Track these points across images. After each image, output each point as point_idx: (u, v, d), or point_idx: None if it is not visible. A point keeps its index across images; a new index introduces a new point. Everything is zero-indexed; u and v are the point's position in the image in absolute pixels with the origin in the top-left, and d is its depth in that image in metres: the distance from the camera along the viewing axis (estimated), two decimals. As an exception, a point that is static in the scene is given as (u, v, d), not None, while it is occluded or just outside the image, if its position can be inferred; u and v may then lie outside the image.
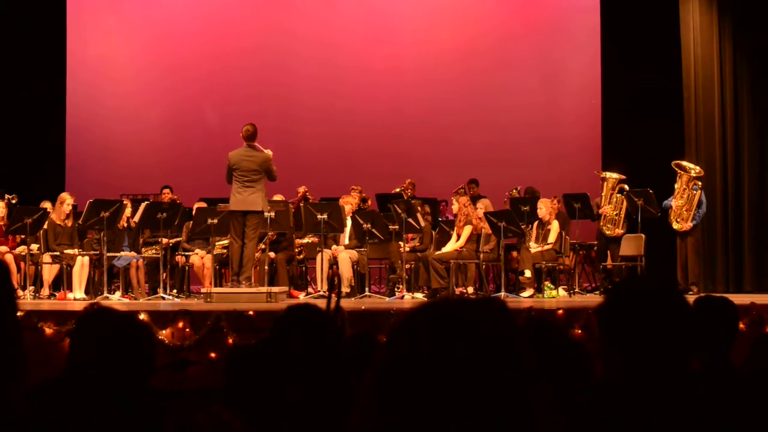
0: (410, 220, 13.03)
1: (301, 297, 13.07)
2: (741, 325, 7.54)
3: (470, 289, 13.43)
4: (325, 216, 12.82)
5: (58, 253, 12.95)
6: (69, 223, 13.19)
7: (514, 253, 13.66)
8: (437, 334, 1.50)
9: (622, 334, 2.27)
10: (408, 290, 13.03)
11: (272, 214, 12.37)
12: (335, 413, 3.00)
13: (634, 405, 2.18)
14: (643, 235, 13.62)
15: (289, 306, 3.63)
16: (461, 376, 1.46)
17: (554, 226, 13.40)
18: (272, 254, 13.20)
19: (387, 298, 12.98)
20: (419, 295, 13.03)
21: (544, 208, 13.47)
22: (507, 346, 1.50)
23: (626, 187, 14.10)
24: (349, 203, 13.73)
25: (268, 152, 12.08)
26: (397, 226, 13.01)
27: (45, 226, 12.96)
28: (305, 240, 14.01)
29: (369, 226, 12.99)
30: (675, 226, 13.72)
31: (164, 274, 13.09)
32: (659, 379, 2.19)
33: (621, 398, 2.23)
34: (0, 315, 2.91)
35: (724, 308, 4.43)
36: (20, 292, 12.57)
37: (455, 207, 13.49)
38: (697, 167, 13.89)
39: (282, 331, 3.37)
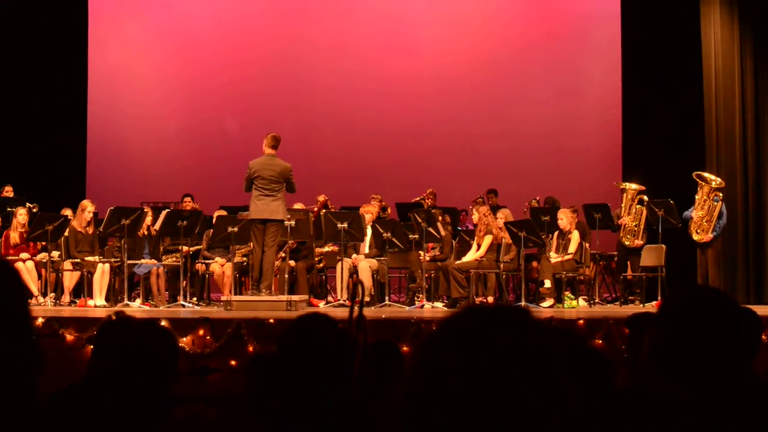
0: (430, 229, 13.02)
1: (321, 306, 13.07)
2: (764, 337, 7.51)
3: (490, 299, 13.39)
4: (345, 225, 12.82)
5: (78, 261, 12.98)
6: (90, 230, 13.22)
7: (535, 263, 13.63)
8: (467, 344, 1.50)
9: (678, 345, 2.25)
10: (428, 299, 13.02)
11: (292, 222, 12.40)
12: (355, 422, 2.99)
13: (663, 415, 2.17)
14: (663, 246, 13.58)
15: (299, 316, 3.57)
16: (492, 384, 1.46)
17: (574, 236, 13.37)
18: (292, 263, 13.21)
19: (407, 308, 12.97)
20: (439, 305, 13.02)
21: (565, 218, 13.44)
22: (536, 354, 1.50)
23: (645, 198, 14.07)
24: (369, 212, 13.72)
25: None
26: (417, 236, 12.99)
27: (66, 234, 13.00)
28: (325, 249, 14.02)
29: (389, 235, 12.98)
30: (695, 237, 13.66)
31: (184, 282, 13.12)
32: (716, 390, 2.17)
33: (648, 408, 2.22)
34: (12, 314, 2.94)
35: (746, 319, 4.41)
36: (41, 299, 12.64)
37: (475, 217, 13.46)
38: (718, 178, 13.84)
39: (291, 341, 3.34)
